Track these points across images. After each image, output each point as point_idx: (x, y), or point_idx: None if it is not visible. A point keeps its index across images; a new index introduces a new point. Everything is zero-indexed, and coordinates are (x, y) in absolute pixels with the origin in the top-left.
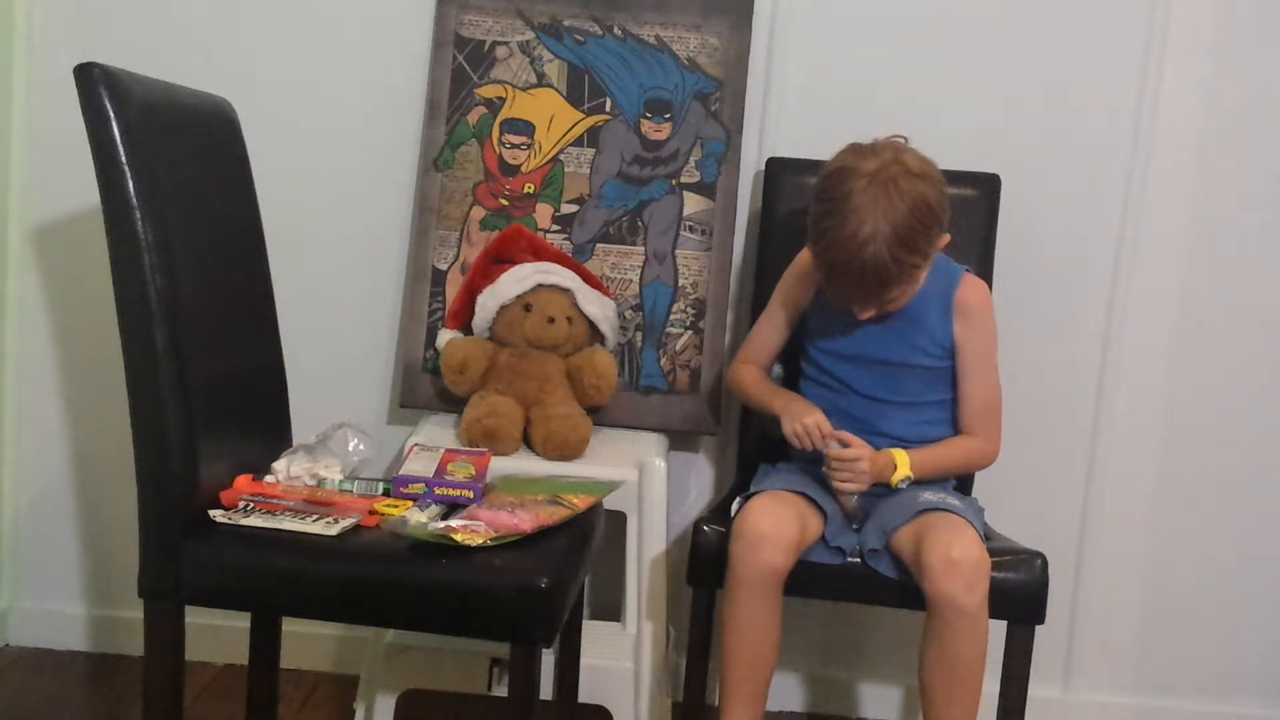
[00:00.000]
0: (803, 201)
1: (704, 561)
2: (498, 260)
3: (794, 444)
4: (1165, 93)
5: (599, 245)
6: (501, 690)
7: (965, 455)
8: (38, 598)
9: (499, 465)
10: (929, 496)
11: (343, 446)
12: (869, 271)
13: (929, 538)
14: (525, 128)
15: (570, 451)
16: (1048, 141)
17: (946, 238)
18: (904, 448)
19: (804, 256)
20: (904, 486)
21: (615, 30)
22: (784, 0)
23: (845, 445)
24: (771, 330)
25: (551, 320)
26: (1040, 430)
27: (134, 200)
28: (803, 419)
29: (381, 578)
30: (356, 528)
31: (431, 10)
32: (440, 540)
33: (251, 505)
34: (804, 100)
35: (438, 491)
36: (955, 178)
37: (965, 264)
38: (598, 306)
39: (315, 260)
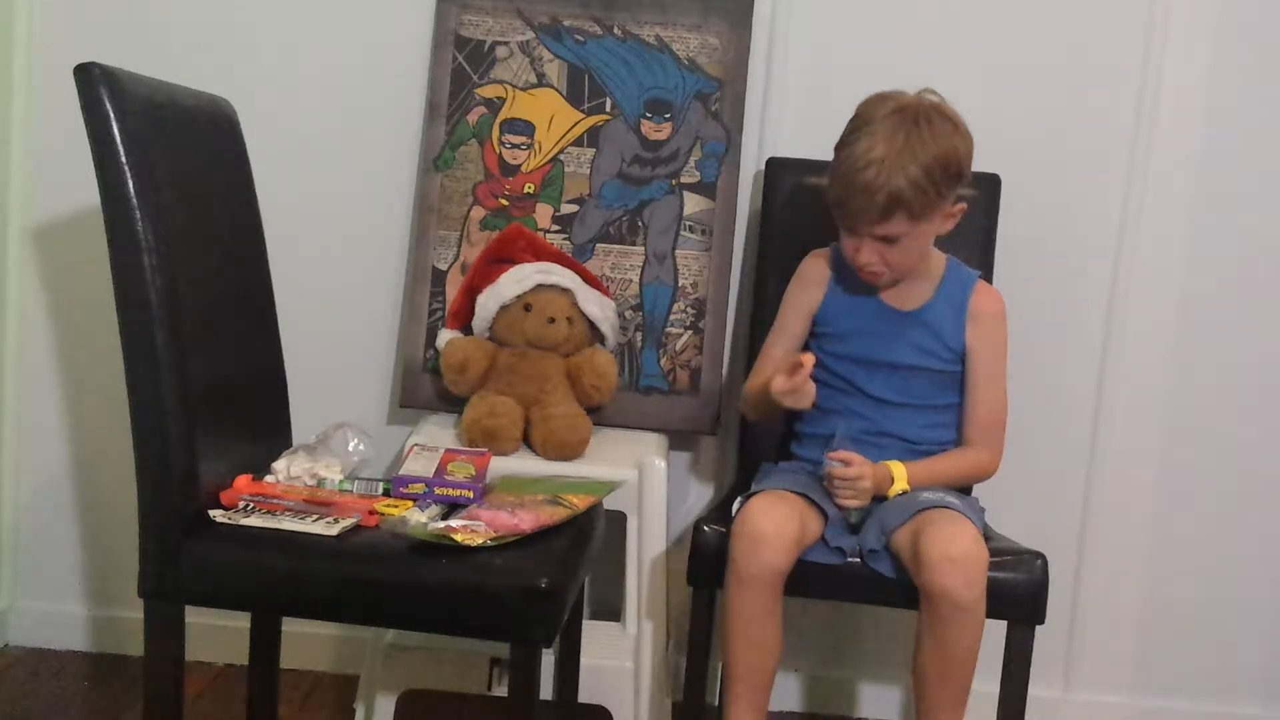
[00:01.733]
0: (803, 201)
1: (704, 561)
2: (498, 260)
3: (787, 401)
4: (1165, 93)
5: (599, 245)
6: (501, 690)
7: (965, 468)
8: (38, 598)
9: (499, 465)
10: (928, 496)
11: (343, 446)
12: (882, 180)
13: (927, 533)
14: (525, 128)
15: (570, 451)
16: (1048, 141)
17: (963, 205)
18: (911, 450)
19: (805, 265)
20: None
21: (615, 30)
22: (784, 0)
23: (846, 464)
24: (783, 344)
25: (551, 320)
26: (1040, 430)
27: (134, 200)
28: (776, 377)
29: (381, 578)
30: (356, 528)
31: (431, 10)
32: (440, 540)
33: (251, 505)
34: (804, 100)
35: (438, 491)
36: None
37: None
38: (598, 306)
39: (315, 260)
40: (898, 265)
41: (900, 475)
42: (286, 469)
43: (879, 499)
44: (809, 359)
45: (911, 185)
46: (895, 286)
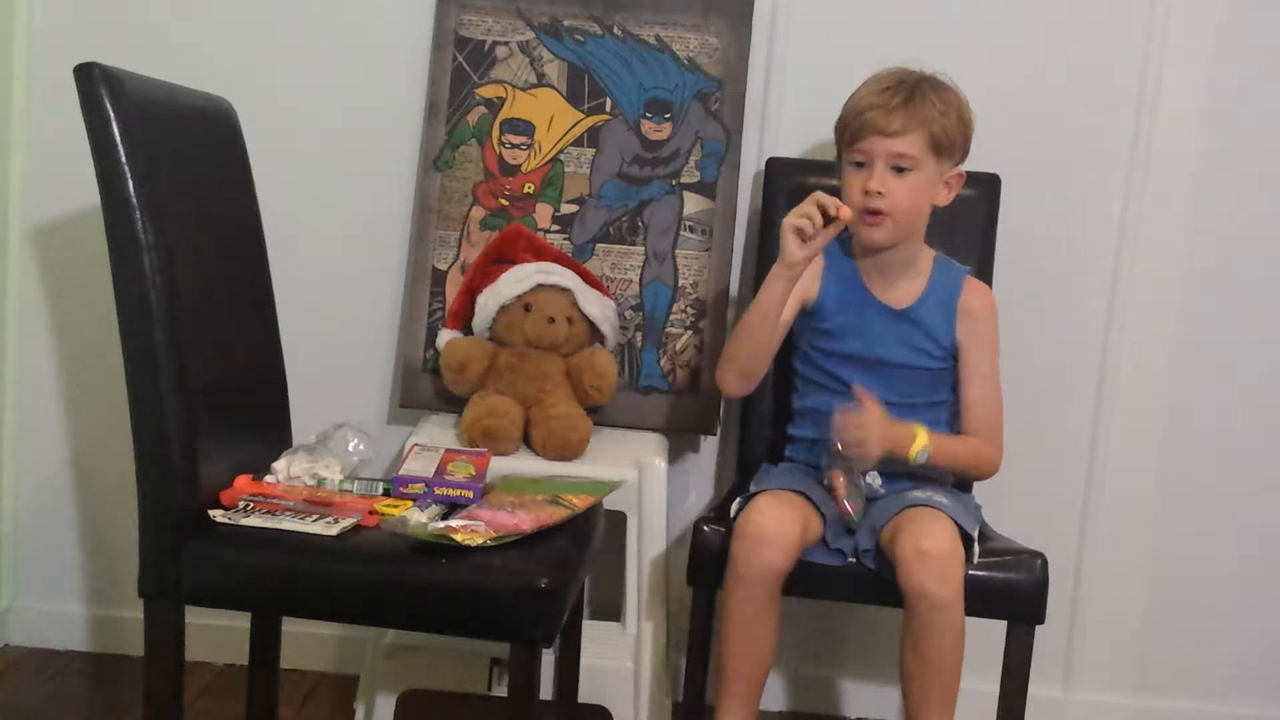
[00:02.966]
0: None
1: (704, 561)
2: (498, 260)
3: (799, 239)
4: (1165, 93)
5: (599, 245)
6: (501, 690)
7: (976, 454)
8: (38, 598)
9: (499, 465)
10: (916, 495)
11: (343, 446)
12: (903, 96)
13: (903, 530)
14: (525, 128)
15: (570, 451)
16: (1048, 141)
17: (962, 175)
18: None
19: None
20: (923, 459)
21: (615, 30)
22: (784, 0)
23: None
24: None
25: (551, 320)
26: (1040, 430)
27: (134, 200)
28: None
29: (381, 578)
30: (356, 528)
31: (431, 10)
32: (440, 540)
33: (251, 505)
34: (804, 100)
35: (438, 491)
36: None
37: (965, 264)
38: (598, 306)
39: (315, 260)
40: (902, 206)
41: (923, 434)
42: (286, 469)
43: (882, 494)
44: (849, 212)
45: (929, 104)
46: (886, 280)
